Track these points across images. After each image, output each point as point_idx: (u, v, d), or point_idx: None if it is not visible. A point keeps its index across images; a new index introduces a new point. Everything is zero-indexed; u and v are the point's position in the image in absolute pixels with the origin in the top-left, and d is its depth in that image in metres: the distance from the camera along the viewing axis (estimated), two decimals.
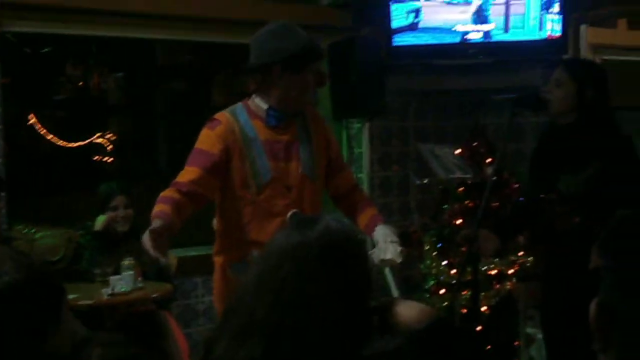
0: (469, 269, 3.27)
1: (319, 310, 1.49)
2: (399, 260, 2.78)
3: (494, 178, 3.29)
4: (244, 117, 2.85)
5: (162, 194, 2.73)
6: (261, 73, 2.81)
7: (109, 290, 3.67)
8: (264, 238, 2.78)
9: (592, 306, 1.09)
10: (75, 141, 6.42)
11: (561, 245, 3.16)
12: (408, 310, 1.58)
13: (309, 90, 2.89)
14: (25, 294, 1.52)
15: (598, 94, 3.15)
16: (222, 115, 2.87)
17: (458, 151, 4.82)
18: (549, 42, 4.83)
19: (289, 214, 2.75)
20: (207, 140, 2.82)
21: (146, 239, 2.47)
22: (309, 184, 2.89)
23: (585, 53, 5.22)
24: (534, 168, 3.38)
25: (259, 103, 2.86)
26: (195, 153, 2.82)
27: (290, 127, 2.89)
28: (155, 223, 2.52)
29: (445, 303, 4.61)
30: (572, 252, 2.93)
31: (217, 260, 2.97)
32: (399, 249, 2.79)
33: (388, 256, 2.76)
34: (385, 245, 2.78)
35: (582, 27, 5.21)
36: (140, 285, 3.81)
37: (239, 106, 2.90)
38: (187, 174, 2.77)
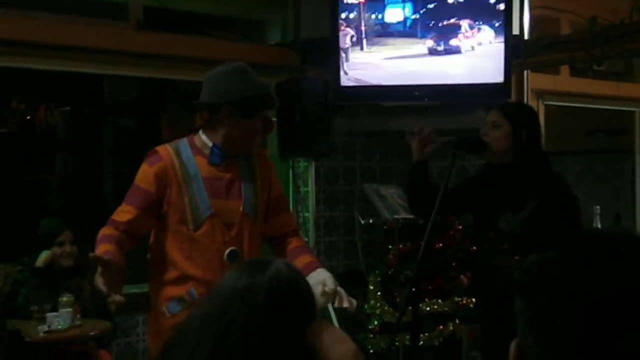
0: (409, 309, 3.27)
1: (262, 355, 1.48)
2: (354, 305, 2.78)
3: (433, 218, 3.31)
4: (187, 152, 2.85)
5: (101, 232, 2.74)
6: (210, 112, 2.80)
7: (44, 327, 3.60)
8: (200, 274, 2.79)
9: (512, 346, 1.10)
10: (19, 176, 6.32)
11: (500, 284, 3.20)
12: (337, 350, 1.58)
13: (256, 135, 2.88)
14: None
15: (532, 134, 3.25)
16: (164, 150, 2.86)
17: (403, 192, 4.85)
18: (493, 86, 4.93)
19: (227, 251, 2.80)
20: (145, 178, 2.81)
21: (99, 278, 2.47)
22: (250, 222, 2.89)
23: (527, 98, 5.35)
24: (463, 191, 3.43)
25: (204, 140, 2.86)
26: (133, 190, 2.83)
27: (233, 166, 2.89)
28: (105, 262, 2.51)
29: (389, 344, 4.60)
30: (511, 291, 2.96)
31: (153, 297, 2.93)
32: (352, 299, 2.78)
33: (345, 304, 2.75)
34: (339, 292, 2.76)
35: (525, 73, 5.34)
36: (78, 322, 3.75)
37: (183, 141, 2.89)
38: (124, 214, 2.78)
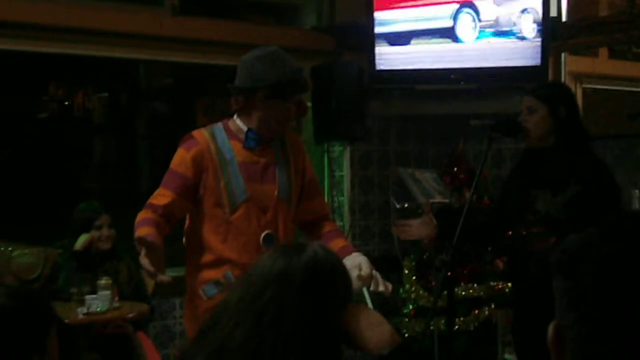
0: (444, 294, 3.26)
1: (298, 336, 1.49)
2: (389, 290, 2.79)
3: (471, 200, 3.29)
4: (222, 137, 2.87)
5: (140, 215, 2.78)
6: (245, 96, 2.82)
7: (84, 310, 3.65)
8: (237, 257, 2.81)
9: (550, 328, 1.09)
10: (58, 160, 6.39)
11: (533, 268, 3.17)
12: (372, 333, 1.58)
13: (290, 119, 2.90)
14: (12, 320, 1.51)
15: (570, 111, 3.20)
16: (200, 134, 2.89)
17: (438, 176, 4.84)
18: (530, 69, 4.88)
19: (263, 234, 2.82)
20: (182, 162, 2.84)
21: (144, 259, 2.53)
22: (284, 207, 2.90)
23: (565, 81, 5.28)
24: (508, 188, 3.40)
25: (239, 124, 2.88)
26: (169, 174, 2.86)
27: (268, 150, 2.91)
28: (149, 243, 2.56)
29: (424, 328, 4.60)
30: (545, 274, 2.94)
31: (189, 280, 2.96)
32: (388, 283, 2.79)
33: (381, 288, 2.76)
34: (375, 275, 2.77)
35: (563, 56, 5.27)
36: (116, 305, 3.79)
37: (218, 126, 2.91)
38: (162, 197, 2.82)
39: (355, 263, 2.76)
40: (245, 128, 2.87)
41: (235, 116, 2.90)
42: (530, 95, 3.26)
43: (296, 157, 2.98)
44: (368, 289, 2.80)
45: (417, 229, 3.34)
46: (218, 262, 2.84)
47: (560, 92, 3.34)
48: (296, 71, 2.85)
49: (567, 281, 1.05)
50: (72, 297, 3.84)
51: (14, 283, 3.98)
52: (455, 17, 4.91)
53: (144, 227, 2.69)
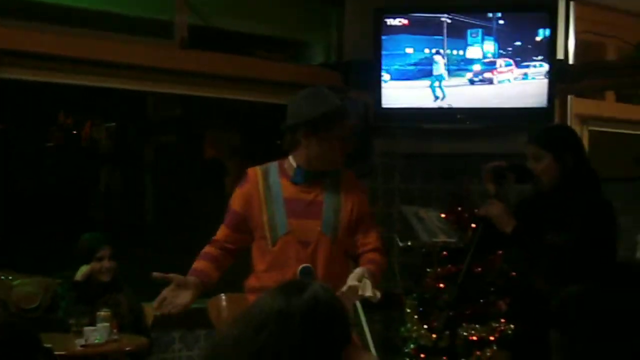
0: (446, 333, 3.24)
1: None
2: (378, 296, 2.88)
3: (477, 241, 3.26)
4: (274, 174, 3.11)
5: (203, 249, 3.13)
6: (290, 133, 3.03)
7: (82, 341, 3.63)
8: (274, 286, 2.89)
9: None
10: (64, 189, 6.41)
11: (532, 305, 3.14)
12: None
13: (335, 152, 3.03)
14: None
15: (576, 155, 3.19)
16: (253, 172, 3.14)
17: (442, 215, 4.82)
18: (536, 111, 4.88)
19: (300, 267, 2.96)
20: (235, 199, 3.14)
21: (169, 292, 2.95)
22: (326, 241, 3.04)
23: (571, 123, 5.29)
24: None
25: (291, 161, 3.10)
26: (228, 211, 3.17)
27: (317, 186, 3.08)
28: (168, 278, 2.95)
29: None
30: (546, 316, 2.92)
31: (245, 298, 3.16)
32: (377, 291, 2.90)
33: (367, 293, 2.86)
34: (363, 281, 2.88)
35: (569, 98, 5.29)
36: (115, 337, 3.78)
37: (274, 164, 3.14)
38: (221, 232, 3.15)
39: (349, 279, 2.88)
40: (295, 165, 3.08)
41: (289, 155, 3.11)
42: (534, 143, 3.25)
43: (348, 194, 3.11)
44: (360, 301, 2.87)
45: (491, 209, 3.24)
46: (260, 289, 2.91)
47: (564, 136, 3.33)
48: (334, 106, 3.01)
49: (564, 334, 1.04)
50: (71, 328, 3.82)
51: (14, 312, 3.97)
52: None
53: (197, 261, 3.08)
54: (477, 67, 4.92)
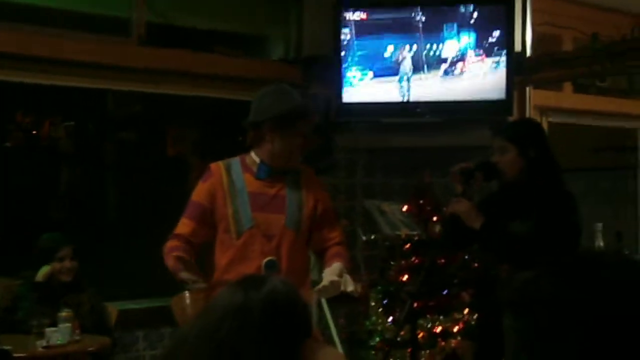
0: (407, 326, 3.27)
1: None
2: (358, 290, 2.98)
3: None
4: (237, 169, 3.15)
5: (169, 244, 3.10)
6: (253, 130, 3.07)
7: (43, 342, 3.59)
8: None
9: None
10: (24, 189, 6.33)
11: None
12: None
13: (296, 150, 3.12)
14: None
15: (539, 150, 3.24)
16: (216, 166, 3.18)
17: (405, 208, 4.84)
18: (495, 103, 4.93)
19: (264, 261, 3.03)
20: (199, 192, 3.15)
21: (184, 273, 2.94)
22: (291, 235, 3.11)
23: (530, 115, 5.34)
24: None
25: (253, 157, 3.16)
26: (190, 204, 3.17)
27: (280, 182, 3.14)
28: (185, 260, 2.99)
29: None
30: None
31: (209, 293, 3.09)
32: (357, 284, 3.10)
33: (350, 288, 3.00)
34: (344, 276, 3.01)
35: (528, 89, 5.34)
36: (77, 338, 3.74)
37: (235, 159, 3.19)
38: (184, 226, 3.13)
39: (327, 273, 3.03)
40: (258, 160, 3.14)
41: (251, 150, 3.16)
42: (501, 135, 3.32)
43: (309, 190, 3.19)
44: (338, 289, 3.00)
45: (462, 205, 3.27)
46: (221, 283, 2.95)
47: (529, 131, 3.38)
48: (300, 104, 3.09)
49: (519, 320, 1.05)
50: (32, 330, 3.77)
51: None
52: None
53: (173, 253, 3.02)
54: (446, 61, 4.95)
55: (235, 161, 3.19)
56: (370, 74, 4.99)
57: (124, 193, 6.45)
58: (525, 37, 5.26)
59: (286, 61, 5.36)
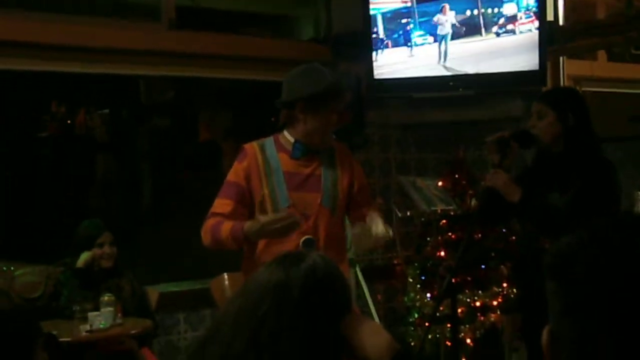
0: (446, 302, 3.25)
1: (297, 348, 1.47)
2: (390, 233, 3.06)
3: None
4: (271, 149, 3.14)
5: (209, 222, 3.05)
6: (287, 109, 3.09)
7: (87, 327, 3.64)
8: None
9: (544, 333, 1.08)
10: (59, 178, 6.41)
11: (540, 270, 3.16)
12: (371, 342, 1.57)
13: (331, 128, 3.10)
14: None
15: (578, 118, 3.20)
16: (250, 146, 3.16)
17: (440, 183, 4.82)
18: (528, 74, 4.87)
19: (302, 239, 3.02)
20: (235, 172, 3.13)
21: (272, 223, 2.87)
22: (327, 214, 3.10)
23: (564, 85, 5.27)
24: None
25: (287, 136, 3.14)
26: (226, 185, 3.14)
27: (315, 161, 3.13)
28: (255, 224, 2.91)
29: (430, 336, 4.58)
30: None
31: (246, 275, 3.11)
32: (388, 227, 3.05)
33: (380, 228, 3.01)
34: (375, 222, 3.02)
35: (561, 59, 5.26)
36: (119, 321, 3.78)
37: (269, 139, 3.19)
38: (224, 206, 3.09)
39: (368, 225, 3.03)
40: (292, 140, 3.12)
41: (284, 130, 3.15)
42: (540, 100, 3.30)
43: (344, 167, 3.18)
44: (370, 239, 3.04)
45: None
46: (258, 264, 2.89)
47: (569, 98, 3.34)
48: (332, 83, 3.06)
49: (560, 285, 1.04)
50: (75, 315, 3.82)
51: (18, 302, 3.98)
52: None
53: (220, 226, 2.98)
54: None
55: (269, 141, 3.18)
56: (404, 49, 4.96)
57: (158, 179, 6.51)
58: (558, 6, 5.18)
59: (316, 40, 5.34)
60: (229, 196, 3.10)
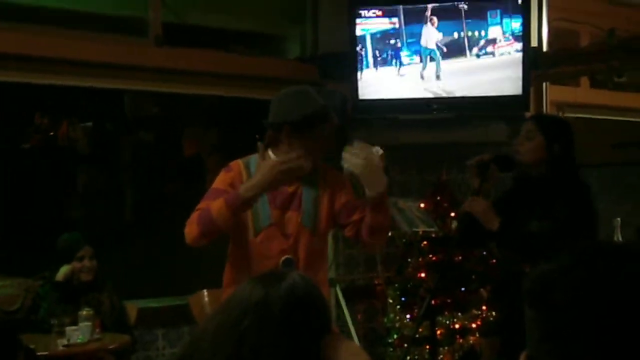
0: (425, 323, 3.26)
1: None
2: (380, 151, 2.95)
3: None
4: (255, 167, 3.09)
5: (194, 215, 2.95)
6: (273, 130, 3.06)
7: (64, 341, 3.62)
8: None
9: (521, 358, 1.09)
10: (41, 190, 6.37)
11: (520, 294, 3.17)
12: None
13: (316, 152, 3.06)
14: None
15: (565, 148, 3.24)
16: (236, 164, 3.14)
17: (422, 205, 4.83)
18: (511, 99, 4.91)
19: (282, 259, 3.00)
20: (222, 180, 3.09)
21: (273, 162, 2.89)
22: (307, 234, 3.07)
23: (547, 110, 5.32)
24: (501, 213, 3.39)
25: (271, 156, 3.09)
26: (212, 192, 3.07)
27: (297, 180, 3.08)
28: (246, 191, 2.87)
29: (408, 357, 4.58)
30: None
31: (226, 292, 3.09)
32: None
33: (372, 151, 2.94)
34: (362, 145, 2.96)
35: (544, 85, 5.32)
36: (97, 336, 3.77)
37: (254, 157, 3.14)
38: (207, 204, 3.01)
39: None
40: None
41: (269, 149, 3.12)
42: (533, 121, 3.33)
43: (326, 187, 3.13)
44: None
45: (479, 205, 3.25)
46: (237, 281, 2.94)
47: (561, 128, 3.36)
48: (319, 107, 3.04)
49: (539, 311, 1.05)
50: (53, 329, 3.80)
51: None
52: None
53: (213, 204, 2.89)
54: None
55: (254, 159, 3.17)
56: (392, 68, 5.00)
57: (141, 193, 6.49)
58: (542, 32, 5.24)
59: (302, 60, 5.37)
60: (215, 199, 3.01)
